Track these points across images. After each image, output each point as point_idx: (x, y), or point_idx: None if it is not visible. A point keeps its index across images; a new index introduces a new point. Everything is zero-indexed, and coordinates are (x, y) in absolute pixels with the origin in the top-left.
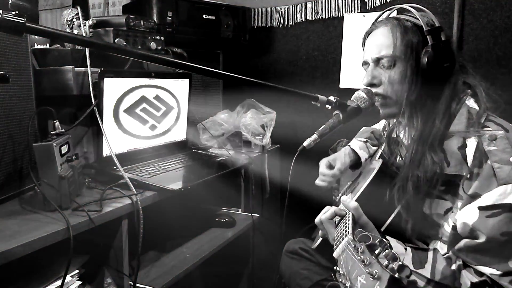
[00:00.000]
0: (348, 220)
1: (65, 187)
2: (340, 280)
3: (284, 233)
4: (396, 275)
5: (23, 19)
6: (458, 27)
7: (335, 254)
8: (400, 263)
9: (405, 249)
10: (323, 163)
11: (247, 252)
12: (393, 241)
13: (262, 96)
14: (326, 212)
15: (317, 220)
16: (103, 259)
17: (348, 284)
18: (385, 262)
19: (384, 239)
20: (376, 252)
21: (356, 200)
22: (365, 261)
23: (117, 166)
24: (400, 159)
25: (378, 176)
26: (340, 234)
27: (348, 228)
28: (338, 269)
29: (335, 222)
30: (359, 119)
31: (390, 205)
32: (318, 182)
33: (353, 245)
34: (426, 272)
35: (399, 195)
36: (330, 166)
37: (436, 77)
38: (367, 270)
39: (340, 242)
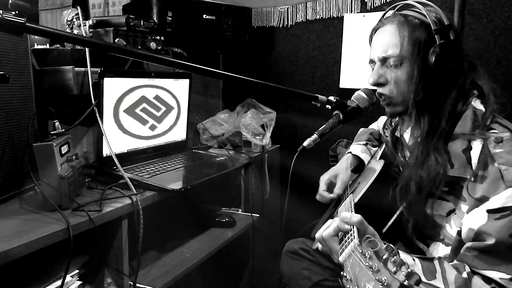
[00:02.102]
0: (354, 234)
1: (65, 187)
2: (348, 286)
3: (284, 233)
4: (406, 283)
5: (23, 19)
6: (458, 27)
7: (341, 259)
8: (409, 270)
9: (413, 259)
10: (323, 182)
11: (247, 252)
12: (400, 252)
13: (262, 96)
14: (328, 228)
15: (318, 235)
16: (103, 259)
17: None
18: (393, 269)
19: (390, 245)
20: (384, 258)
21: (358, 201)
22: (373, 268)
23: (117, 166)
24: (402, 159)
25: (380, 177)
26: (346, 242)
27: (354, 237)
28: (344, 274)
29: (339, 237)
30: (359, 119)
31: (392, 206)
32: (318, 198)
33: (360, 250)
34: (439, 283)
35: (401, 194)
36: (331, 184)
37: (443, 77)
38: (376, 278)
39: (346, 247)
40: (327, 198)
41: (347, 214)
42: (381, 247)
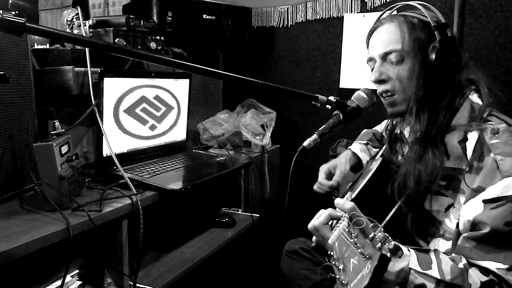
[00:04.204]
0: (344, 219)
1: (65, 187)
2: (334, 263)
3: (284, 233)
4: (389, 255)
5: (23, 19)
6: (458, 27)
7: (330, 241)
8: (392, 243)
9: (409, 250)
10: (322, 170)
11: (247, 252)
12: (396, 243)
13: (262, 96)
14: (320, 217)
15: (310, 226)
16: (103, 259)
17: (341, 267)
18: (378, 244)
19: (377, 223)
20: (370, 236)
21: (355, 197)
22: (358, 244)
23: (117, 166)
24: (401, 156)
25: (377, 174)
26: (336, 226)
27: (344, 220)
28: (332, 253)
29: (331, 225)
30: (359, 119)
31: (390, 202)
32: (315, 188)
33: (347, 230)
34: (435, 273)
35: (399, 190)
36: (330, 174)
37: (444, 73)
38: (359, 251)
39: (336, 230)
40: (326, 185)
41: (340, 200)
42: (367, 225)
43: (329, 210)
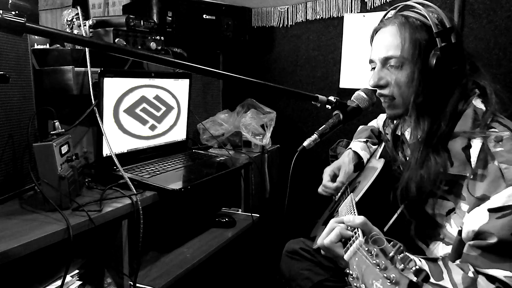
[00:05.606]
0: (358, 233)
1: (65, 187)
2: (355, 284)
3: (284, 233)
4: (415, 280)
5: (23, 19)
6: (458, 27)
7: (346, 257)
8: (417, 267)
9: (420, 260)
10: (327, 173)
11: (247, 252)
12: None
13: (262, 96)
14: (330, 235)
15: (320, 244)
16: (103, 259)
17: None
18: (401, 266)
19: (397, 242)
20: (390, 255)
21: (359, 201)
22: (380, 265)
23: (117, 166)
24: (403, 158)
25: (380, 176)
26: (350, 241)
27: (358, 235)
28: (350, 272)
29: (342, 241)
30: (359, 119)
31: (393, 205)
32: (320, 191)
33: (366, 248)
34: (447, 283)
35: (402, 195)
36: (334, 176)
37: (444, 80)
38: (384, 275)
39: (351, 245)
40: (330, 187)
41: (350, 217)
42: (387, 244)
43: (339, 228)
